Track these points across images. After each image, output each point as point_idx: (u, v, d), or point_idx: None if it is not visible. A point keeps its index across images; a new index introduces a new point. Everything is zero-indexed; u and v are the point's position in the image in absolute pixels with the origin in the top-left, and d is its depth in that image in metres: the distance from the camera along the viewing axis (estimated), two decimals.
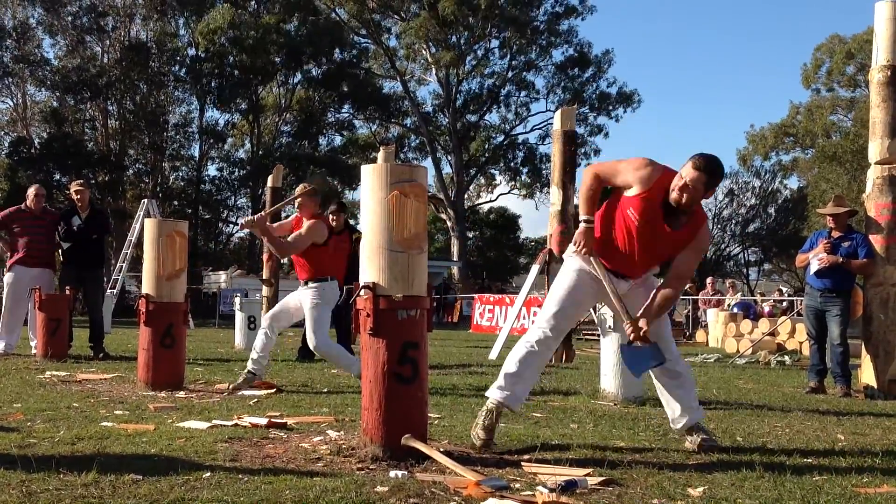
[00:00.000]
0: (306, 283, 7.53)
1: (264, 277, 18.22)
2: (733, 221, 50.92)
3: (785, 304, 22.41)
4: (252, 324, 12.95)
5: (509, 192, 48.91)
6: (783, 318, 17.16)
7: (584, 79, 44.34)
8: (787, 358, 13.31)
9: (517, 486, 3.74)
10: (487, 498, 3.47)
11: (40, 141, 36.64)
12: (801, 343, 15.17)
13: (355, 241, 9.19)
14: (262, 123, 40.59)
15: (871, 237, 8.44)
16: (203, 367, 9.50)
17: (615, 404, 6.91)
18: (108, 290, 20.08)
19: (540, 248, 25.02)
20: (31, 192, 10.57)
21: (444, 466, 3.95)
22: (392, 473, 3.87)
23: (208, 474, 3.74)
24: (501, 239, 51.29)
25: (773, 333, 15.99)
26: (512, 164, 47.00)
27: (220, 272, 33.84)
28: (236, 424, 5.17)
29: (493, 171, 49.20)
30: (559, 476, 3.81)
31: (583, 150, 43.19)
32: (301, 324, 7.66)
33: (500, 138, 46.23)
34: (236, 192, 42.09)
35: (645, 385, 7.21)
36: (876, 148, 8.43)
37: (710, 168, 4.57)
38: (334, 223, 10.08)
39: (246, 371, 7.38)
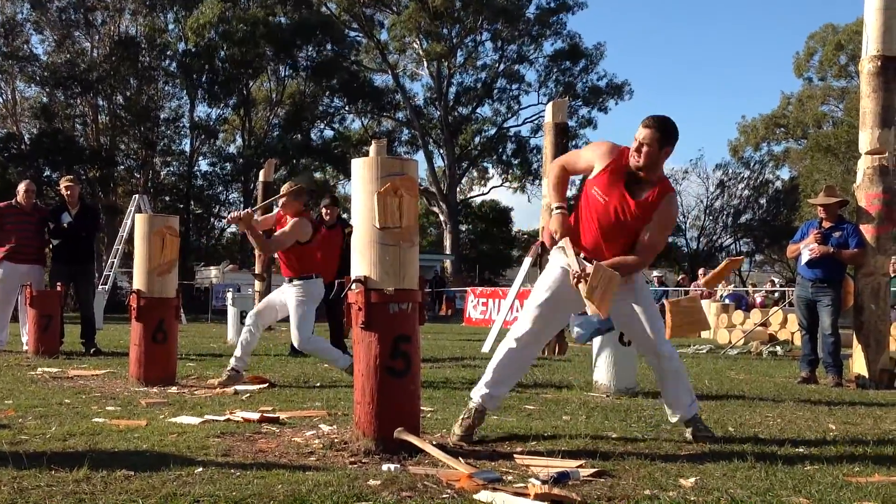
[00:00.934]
0: (291, 281, 7.55)
1: (256, 272, 18.22)
2: (725, 212, 51.05)
3: (777, 294, 22.46)
4: (244, 319, 12.92)
5: (501, 185, 48.99)
6: (775, 308, 17.19)
7: (576, 72, 44.37)
8: (778, 348, 13.34)
9: (510, 478, 3.74)
10: (480, 490, 3.47)
11: (30, 137, 36.50)
12: (792, 333, 15.20)
13: (347, 234, 9.18)
14: (254, 118, 40.49)
15: (861, 227, 8.45)
16: (195, 362, 9.49)
17: (607, 396, 6.92)
18: (100, 286, 20.05)
19: (532, 240, 25.04)
20: (21, 187, 10.53)
21: (436, 459, 3.96)
22: (385, 467, 3.87)
23: (200, 469, 3.73)
24: (494, 232, 51.33)
25: (764, 324, 16.02)
26: (503, 156, 47.02)
27: (212, 267, 33.80)
28: (228, 419, 5.16)
29: (485, 164, 49.25)
30: (551, 468, 3.82)
31: (574, 143, 43.19)
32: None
33: (492, 131, 46.25)
34: (228, 186, 42.00)
35: (637, 376, 7.23)
36: (866, 138, 8.44)
37: (659, 124, 4.62)
38: (327, 217, 10.09)
39: (229, 368, 7.38)
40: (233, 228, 42.45)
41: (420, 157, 43.33)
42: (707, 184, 50.76)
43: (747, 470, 3.97)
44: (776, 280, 30.16)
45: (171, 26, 38.69)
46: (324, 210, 10.24)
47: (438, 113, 43.74)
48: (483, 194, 51.29)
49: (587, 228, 4.77)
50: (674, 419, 4.97)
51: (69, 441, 4.41)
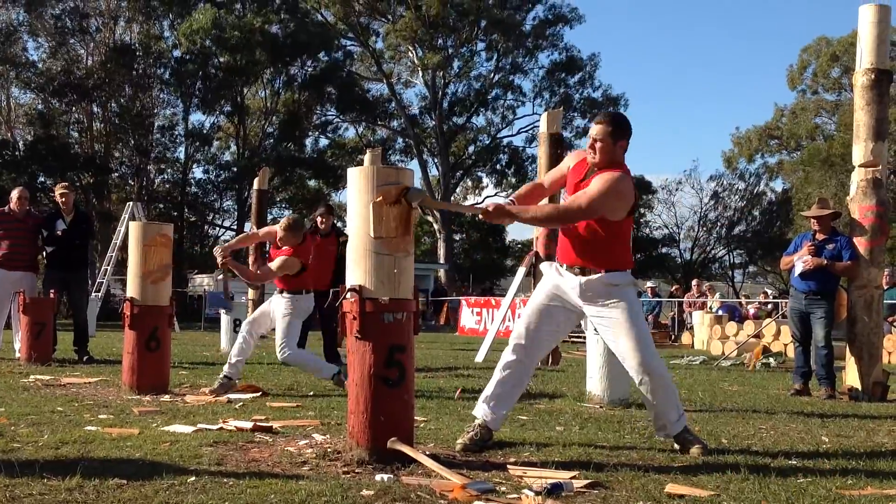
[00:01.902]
0: (281, 293, 7.58)
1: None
2: (719, 224, 51.13)
3: (770, 306, 22.50)
4: (238, 327, 12.90)
5: (496, 195, 48.98)
6: (768, 320, 17.22)
7: (572, 84, 44.45)
8: (772, 360, 13.35)
9: (503, 489, 3.74)
10: (473, 501, 3.47)
11: (25, 143, 36.41)
12: (785, 345, 15.24)
13: (342, 243, 9.19)
14: (248, 126, 40.47)
15: (855, 239, 8.47)
16: (188, 370, 9.47)
17: (601, 407, 6.92)
18: (93, 294, 19.99)
19: (526, 250, 25.06)
20: (14, 194, 10.50)
21: (430, 470, 3.95)
22: (378, 477, 3.86)
23: (193, 478, 3.72)
24: (488, 241, 51.33)
25: (758, 335, 16.04)
26: (497, 166, 47.06)
27: (206, 275, 33.73)
28: (221, 428, 5.15)
29: (479, 173, 49.28)
30: (545, 479, 3.82)
31: (569, 153, 43.16)
32: None
33: (487, 141, 46.28)
34: (222, 194, 41.94)
35: (630, 387, 7.23)
36: (860, 151, 8.47)
37: (611, 119, 4.77)
38: (322, 226, 10.09)
39: (222, 376, 7.37)
40: (227, 236, 42.55)
41: (415, 165, 43.39)
42: (701, 195, 50.92)
43: (740, 482, 3.97)
44: (769, 292, 30.22)
45: (166, 34, 38.69)
46: (319, 219, 10.24)
47: (433, 122, 43.77)
48: (478, 203, 51.35)
49: (561, 229, 4.89)
50: (660, 436, 4.95)
51: (62, 449, 4.40)
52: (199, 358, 11.56)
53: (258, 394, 7.15)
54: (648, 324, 21.63)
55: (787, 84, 45.66)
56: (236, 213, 40.24)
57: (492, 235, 51.36)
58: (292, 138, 40.29)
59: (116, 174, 38.51)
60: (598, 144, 4.68)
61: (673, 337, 21.91)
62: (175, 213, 38.64)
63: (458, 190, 49.30)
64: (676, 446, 4.81)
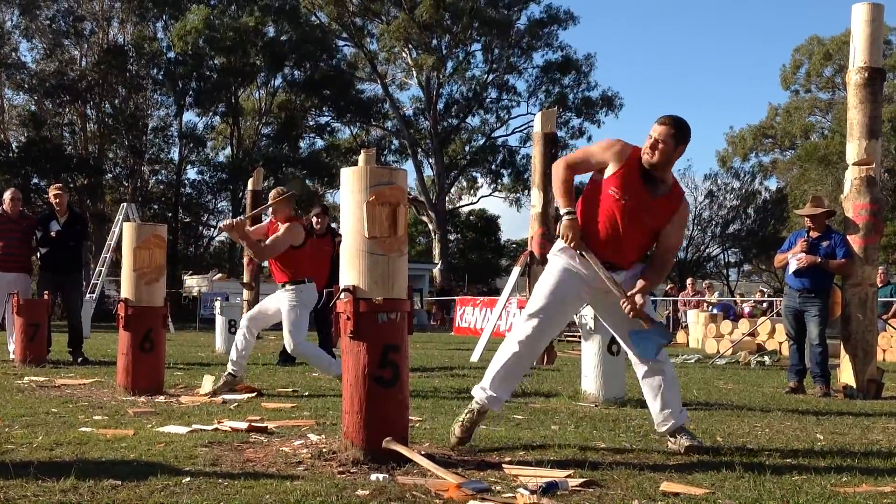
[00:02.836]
0: (283, 286, 7.55)
1: (245, 281, 18.20)
2: (713, 223, 51.22)
3: (765, 304, 22.53)
4: (233, 328, 12.90)
5: (491, 195, 49.03)
6: (763, 318, 17.24)
7: (567, 83, 44.44)
8: (766, 358, 13.37)
9: (498, 488, 3.74)
10: (468, 500, 3.47)
11: (18, 145, 36.33)
12: (780, 343, 15.25)
13: (337, 243, 9.19)
14: (242, 126, 40.43)
15: (849, 237, 8.49)
16: (183, 371, 9.46)
17: (596, 406, 6.92)
18: (87, 295, 19.96)
19: (521, 249, 25.04)
20: (6, 196, 10.48)
21: (425, 469, 3.95)
22: (373, 477, 3.86)
23: (188, 479, 3.72)
24: (483, 241, 51.35)
25: (752, 334, 16.06)
26: (493, 166, 47.06)
27: (201, 276, 33.69)
28: (216, 429, 5.14)
29: (474, 173, 49.28)
30: (540, 478, 3.82)
31: (564, 153, 43.17)
32: (281, 326, 7.66)
33: (481, 141, 46.28)
34: (216, 195, 41.91)
35: (626, 386, 7.24)
36: (854, 149, 8.49)
37: (675, 122, 4.71)
38: (318, 226, 10.09)
39: (226, 373, 7.37)
40: (222, 237, 42.52)
41: (409, 166, 43.37)
42: (696, 194, 50.99)
43: (736, 480, 3.97)
44: (764, 290, 30.24)
45: (159, 35, 38.63)
46: (314, 219, 10.24)
47: (427, 123, 43.75)
48: (472, 203, 51.40)
49: (603, 228, 4.74)
50: (663, 428, 4.91)
51: (56, 450, 4.39)
52: (193, 359, 11.55)
53: (253, 394, 7.15)
54: None
55: (781, 83, 45.77)
56: (231, 213, 40.18)
57: (486, 235, 51.45)
58: (287, 139, 40.26)
59: (110, 175, 38.46)
60: (660, 146, 4.64)
61: None
62: (169, 214, 38.61)
63: (452, 190, 49.32)
64: (673, 447, 4.79)
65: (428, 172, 45.01)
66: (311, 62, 38.89)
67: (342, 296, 4.24)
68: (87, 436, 4.82)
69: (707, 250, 52.09)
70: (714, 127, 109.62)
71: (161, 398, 6.90)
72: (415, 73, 42.66)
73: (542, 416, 6.17)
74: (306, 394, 7.38)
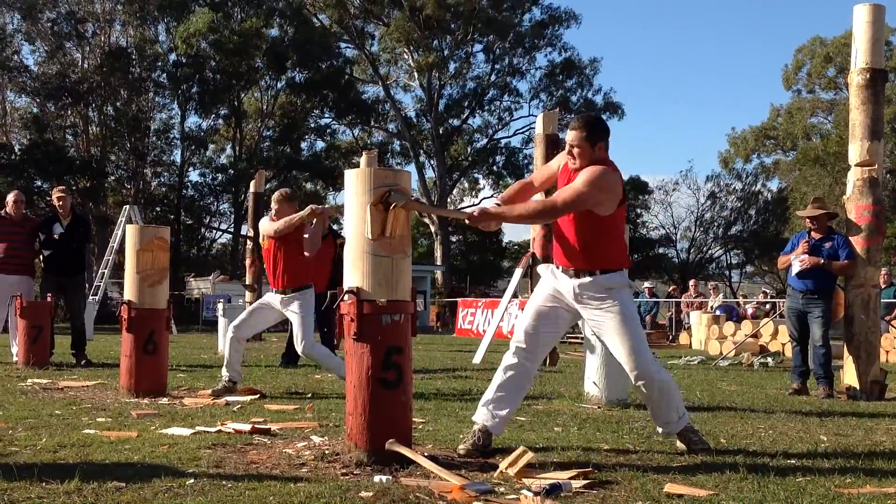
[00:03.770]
0: (284, 292, 7.58)
1: (247, 283, 18.23)
2: (715, 224, 51.18)
3: (768, 305, 22.52)
4: None
5: (493, 196, 48.99)
6: (766, 319, 17.22)
7: (570, 86, 44.46)
8: (769, 360, 13.36)
9: (501, 489, 3.74)
10: (472, 502, 3.47)
11: (21, 147, 36.35)
12: (783, 345, 15.24)
13: (339, 245, 9.20)
14: (245, 129, 40.45)
15: (851, 239, 8.48)
16: (186, 373, 9.46)
17: (599, 407, 6.92)
18: (90, 297, 19.98)
19: (523, 251, 25.05)
20: (10, 198, 10.50)
21: (428, 471, 3.95)
22: (376, 478, 3.86)
23: (192, 481, 3.72)
24: (485, 243, 51.34)
25: (755, 335, 16.05)
26: (494, 167, 47.06)
27: (203, 278, 33.70)
28: (220, 431, 5.14)
29: (476, 174, 49.28)
30: (543, 480, 3.82)
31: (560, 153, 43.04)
32: (282, 328, 7.70)
33: (483, 142, 46.29)
34: (219, 197, 41.93)
35: (630, 388, 7.23)
36: (856, 150, 8.48)
37: (584, 123, 4.73)
38: None
39: (226, 379, 7.40)
40: (224, 239, 42.57)
41: (411, 167, 43.38)
42: (698, 195, 50.99)
43: (739, 481, 3.97)
44: (767, 291, 30.24)
45: (161, 37, 38.66)
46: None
47: (429, 124, 43.76)
48: (474, 205, 51.34)
49: (556, 227, 4.86)
50: (661, 432, 4.97)
51: (60, 452, 4.39)
52: (196, 360, 11.55)
53: (256, 396, 7.15)
54: (646, 324, 21.67)
55: (783, 84, 45.81)
56: (233, 216, 40.26)
57: (488, 237, 51.38)
58: (289, 141, 40.27)
59: (113, 178, 38.47)
60: (575, 150, 4.68)
61: (670, 337, 21.92)
62: (172, 217, 38.64)
63: (454, 192, 49.33)
64: (680, 446, 4.80)
65: (430, 174, 45.05)
66: (313, 64, 38.89)
67: (346, 297, 4.24)
68: (90, 438, 4.83)
69: (709, 251, 52.07)
70: (716, 128, 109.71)
71: (164, 400, 6.90)
72: (416, 74, 42.68)
73: (545, 417, 6.16)
74: (309, 395, 7.38)
